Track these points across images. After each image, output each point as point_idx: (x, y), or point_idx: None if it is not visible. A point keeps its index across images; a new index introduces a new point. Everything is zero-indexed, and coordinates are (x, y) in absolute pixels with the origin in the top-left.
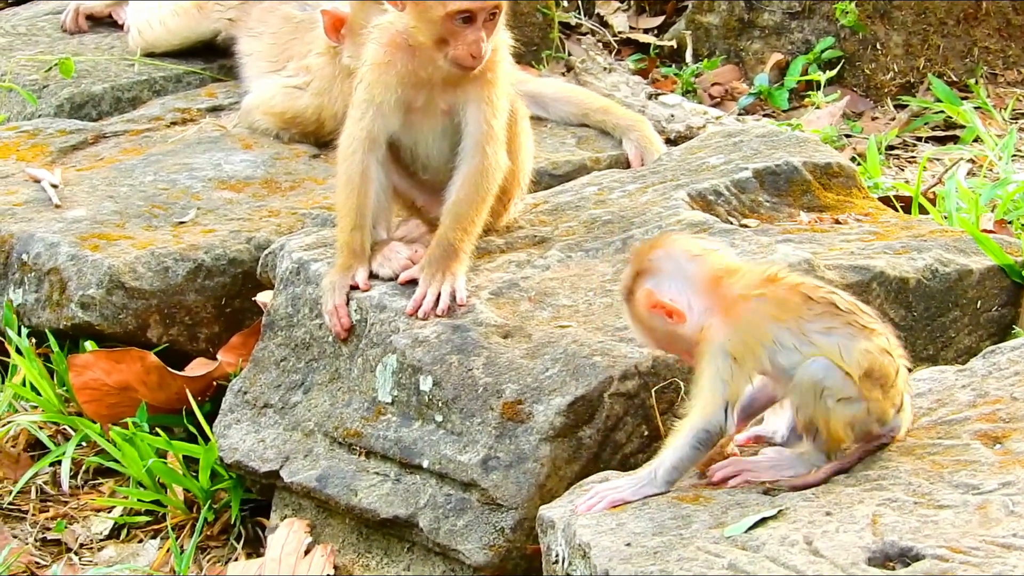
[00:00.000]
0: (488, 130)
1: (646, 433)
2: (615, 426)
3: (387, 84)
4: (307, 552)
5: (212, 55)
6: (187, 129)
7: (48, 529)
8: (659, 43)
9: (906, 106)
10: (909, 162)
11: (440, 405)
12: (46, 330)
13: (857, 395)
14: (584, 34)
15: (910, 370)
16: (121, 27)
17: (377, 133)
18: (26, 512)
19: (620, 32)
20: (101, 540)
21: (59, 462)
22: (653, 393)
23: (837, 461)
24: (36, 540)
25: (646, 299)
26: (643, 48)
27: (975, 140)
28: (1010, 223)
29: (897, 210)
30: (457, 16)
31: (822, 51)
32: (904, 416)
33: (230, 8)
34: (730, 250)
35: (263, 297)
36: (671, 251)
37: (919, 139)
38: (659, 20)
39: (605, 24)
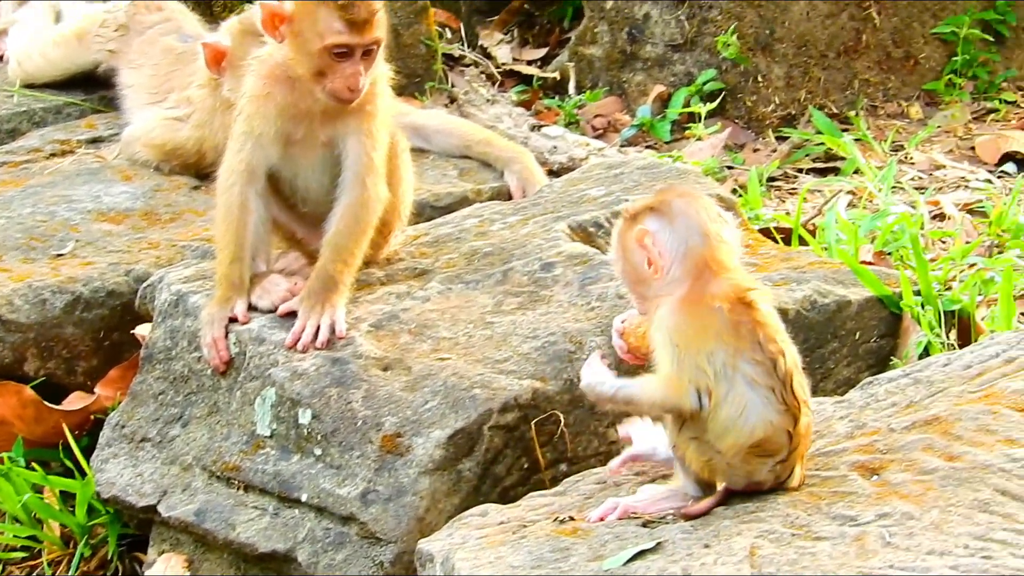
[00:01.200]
0: (368, 162)
1: (526, 466)
2: (495, 459)
3: (266, 116)
4: None
5: (93, 86)
6: (66, 160)
7: None
8: (542, 75)
9: (787, 138)
10: (790, 193)
11: (319, 438)
12: None
13: (714, 451)
14: (467, 65)
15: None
16: (0, 58)
17: (256, 165)
18: None
19: (503, 64)
20: None
21: None
22: (533, 426)
23: (720, 494)
24: None
25: (639, 235)
26: (526, 80)
27: (855, 172)
28: (889, 254)
29: (777, 241)
30: (334, 50)
31: (704, 83)
32: (793, 481)
33: (111, 39)
34: (737, 247)
35: (142, 330)
36: (693, 213)
37: (800, 171)
38: (542, 52)
39: (488, 56)
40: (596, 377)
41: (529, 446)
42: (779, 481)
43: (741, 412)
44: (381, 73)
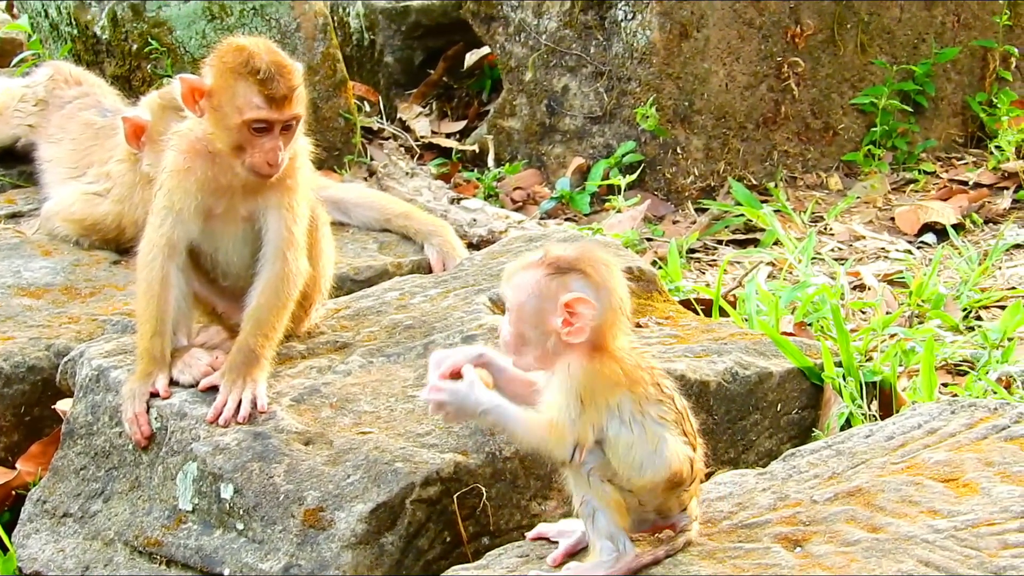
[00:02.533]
0: (288, 236)
1: (448, 539)
2: (417, 532)
3: (187, 190)
4: None
5: (12, 161)
6: None
7: None
8: (461, 148)
9: (707, 209)
10: (710, 265)
11: (241, 513)
12: None
13: (625, 491)
14: (386, 139)
15: (708, 476)
16: None
17: (177, 240)
18: None
19: (422, 137)
20: None
21: None
22: (455, 499)
23: (634, 556)
24: None
25: (575, 301)
26: (445, 152)
27: (775, 243)
28: (810, 325)
29: (698, 313)
30: (253, 125)
31: (623, 155)
32: (691, 513)
33: (30, 114)
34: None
35: (63, 405)
36: (616, 286)
37: (720, 242)
38: (461, 125)
39: (407, 129)
40: (472, 388)
41: (451, 519)
42: (682, 508)
43: (656, 448)
44: (301, 147)
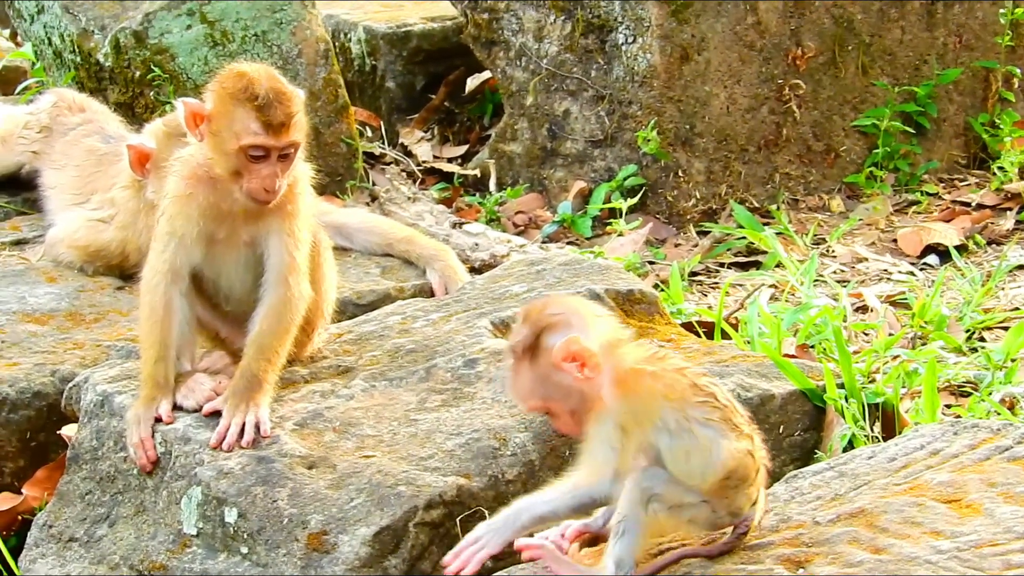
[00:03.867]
0: (290, 262)
1: None
2: (421, 555)
3: (189, 216)
4: None
5: (16, 188)
6: None
7: None
8: (463, 172)
9: (708, 232)
10: (712, 288)
11: (245, 537)
12: None
13: (698, 500)
14: (388, 164)
15: (768, 471)
16: None
17: (180, 265)
18: None
19: (424, 161)
20: None
21: None
22: (458, 522)
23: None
24: None
25: (565, 348)
26: (447, 177)
27: (777, 266)
28: (812, 348)
29: (700, 336)
30: (250, 151)
31: (625, 178)
32: (759, 507)
33: (34, 141)
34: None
35: (68, 430)
36: (576, 309)
37: (722, 265)
38: (463, 149)
39: (409, 154)
40: (488, 532)
41: (454, 542)
42: (753, 505)
43: (709, 452)
44: (302, 172)
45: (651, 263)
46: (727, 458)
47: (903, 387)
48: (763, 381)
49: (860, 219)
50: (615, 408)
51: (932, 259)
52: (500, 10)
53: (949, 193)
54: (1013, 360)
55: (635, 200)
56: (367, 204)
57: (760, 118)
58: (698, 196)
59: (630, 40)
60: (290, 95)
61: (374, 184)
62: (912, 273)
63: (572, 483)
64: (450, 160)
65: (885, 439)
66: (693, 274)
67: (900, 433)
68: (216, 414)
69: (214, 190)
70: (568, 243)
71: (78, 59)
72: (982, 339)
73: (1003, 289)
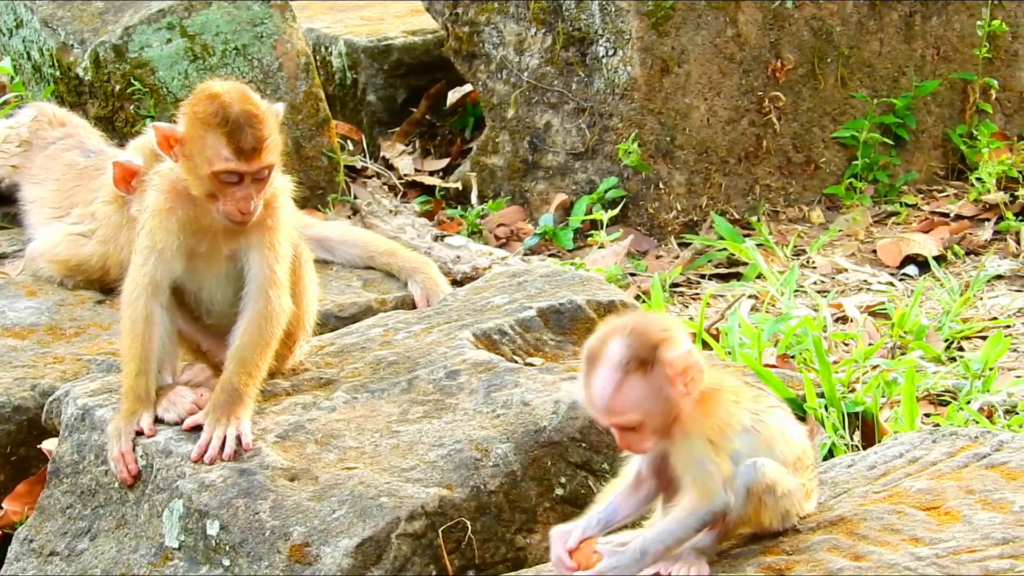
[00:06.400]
0: (271, 275)
1: (434, 573)
2: (403, 566)
3: (169, 230)
4: None
5: None
6: None
7: None
8: (444, 185)
9: (689, 244)
10: (693, 299)
11: (227, 549)
12: None
13: (797, 483)
14: (370, 177)
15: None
16: None
17: (160, 279)
18: None
19: (406, 175)
20: None
21: None
22: (440, 533)
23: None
24: None
25: (684, 360)
26: (429, 190)
27: (758, 277)
28: (792, 358)
29: None
30: (222, 176)
31: (606, 191)
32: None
33: (14, 155)
34: None
35: (48, 444)
36: (677, 324)
37: (703, 276)
38: (444, 162)
39: (391, 167)
40: (616, 565)
41: (437, 553)
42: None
43: (786, 433)
44: (282, 186)
45: (632, 275)
46: (799, 438)
47: (882, 396)
48: None
49: (840, 230)
50: (699, 423)
51: (911, 269)
52: (481, 23)
53: (928, 204)
54: (991, 369)
55: (616, 212)
56: (349, 217)
57: (740, 130)
58: (679, 208)
59: (611, 53)
60: (262, 117)
61: (356, 197)
62: (891, 283)
63: (689, 508)
64: (431, 173)
65: (865, 448)
66: (674, 285)
67: (879, 442)
68: (198, 428)
69: (193, 205)
70: (550, 255)
71: (58, 73)
72: (961, 349)
73: (981, 299)
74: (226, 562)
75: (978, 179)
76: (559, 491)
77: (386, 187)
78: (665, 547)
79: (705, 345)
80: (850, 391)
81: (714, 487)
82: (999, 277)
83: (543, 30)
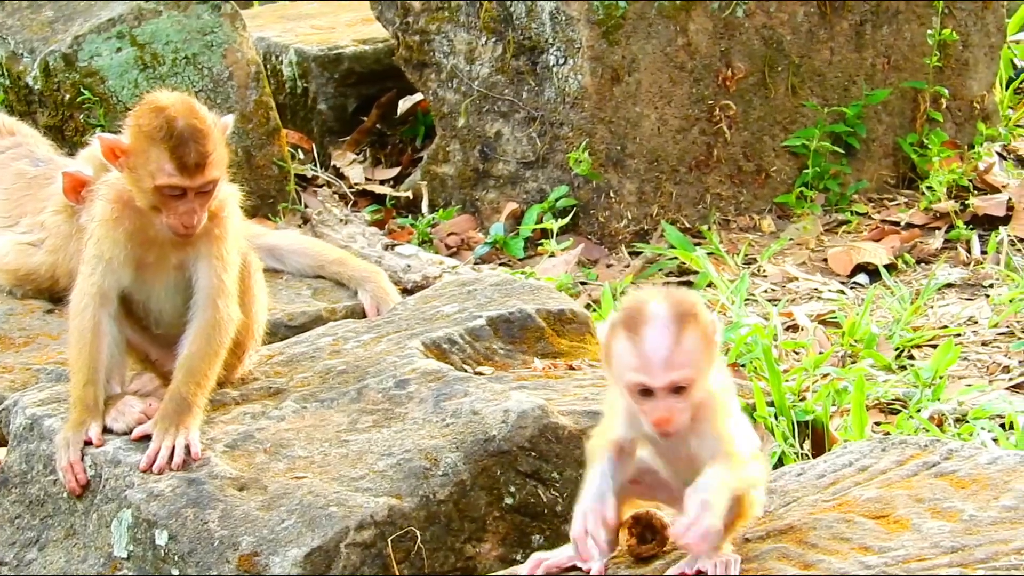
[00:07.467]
0: (219, 284)
1: None
2: None
3: (116, 240)
4: None
5: None
6: None
7: None
8: (395, 194)
9: (640, 253)
10: None
11: (176, 559)
12: None
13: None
14: (320, 186)
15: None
16: None
17: (108, 288)
18: None
19: (356, 184)
20: None
21: None
22: (390, 542)
23: None
24: None
25: (715, 323)
26: (379, 199)
27: (708, 285)
28: (742, 366)
29: None
30: (165, 191)
31: (556, 200)
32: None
33: None
34: None
35: None
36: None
37: (653, 285)
38: (395, 171)
39: (341, 176)
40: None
41: (386, 563)
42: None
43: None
44: (230, 194)
45: (583, 283)
46: (754, 434)
47: (832, 405)
48: None
49: (790, 239)
50: (726, 388)
51: (862, 278)
52: (431, 32)
53: (879, 213)
54: (941, 378)
55: (567, 221)
56: (299, 226)
57: (691, 139)
58: (630, 217)
59: (561, 61)
60: (207, 132)
61: (306, 206)
62: (842, 292)
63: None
64: (382, 182)
65: (814, 456)
66: (625, 294)
67: (830, 450)
68: (146, 437)
69: (141, 215)
70: (500, 264)
71: (7, 82)
72: (911, 357)
73: (932, 307)
74: (175, 572)
75: (928, 188)
76: (508, 500)
77: (336, 196)
78: (734, 489)
79: None
80: (800, 400)
81: (746, 456)
82: (949, 285)
83: (493, 39)
